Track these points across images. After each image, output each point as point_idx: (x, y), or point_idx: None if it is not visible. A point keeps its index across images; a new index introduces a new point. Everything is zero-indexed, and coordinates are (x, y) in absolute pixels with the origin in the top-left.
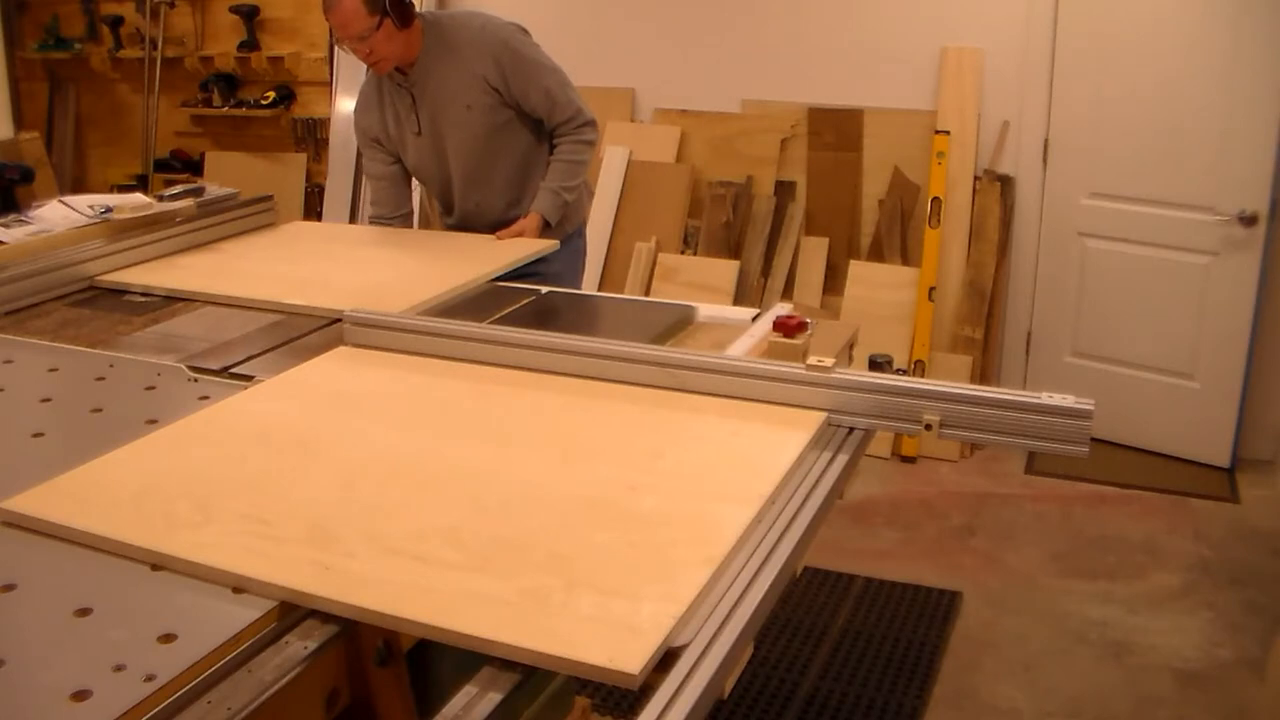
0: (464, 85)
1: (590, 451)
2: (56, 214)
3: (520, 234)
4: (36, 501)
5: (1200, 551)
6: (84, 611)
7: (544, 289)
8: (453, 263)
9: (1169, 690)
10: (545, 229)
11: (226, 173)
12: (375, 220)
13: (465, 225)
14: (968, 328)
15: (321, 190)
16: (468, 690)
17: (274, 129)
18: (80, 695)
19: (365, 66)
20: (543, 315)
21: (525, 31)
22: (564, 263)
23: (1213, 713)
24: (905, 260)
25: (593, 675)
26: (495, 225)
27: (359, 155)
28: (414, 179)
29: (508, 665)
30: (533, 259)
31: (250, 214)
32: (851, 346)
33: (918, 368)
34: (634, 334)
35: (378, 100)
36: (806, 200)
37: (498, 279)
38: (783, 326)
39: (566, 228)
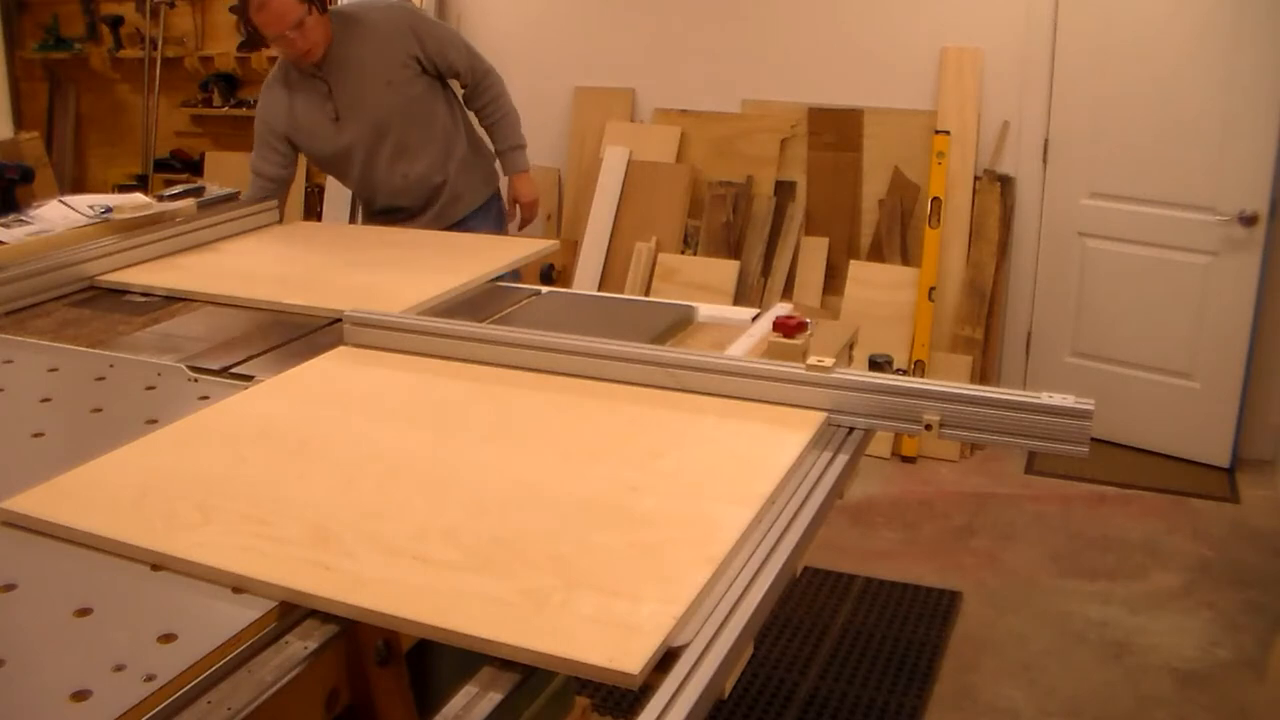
0: (384, 64)
1: (590, 451)
2: (56, 214)
3: (524, 199)
4: (36, 501)
5: (1200, 551)
6: (84, 611)
7: (544, 289)
8: (453, 263)
9: (1169, 690)
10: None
11: (226, 173)
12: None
13: (391, 205)
14: (968, 328)
15: (321, 190)
16: (468, 690)
17: None
18: (80, 695)
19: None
20: (543, 315)
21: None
22: (492, 227)
23: (1213, 713)
24: (905, 260)
25: (593, 675)
26: (423, 196)
27: None
28: (322, 176)
29: (508, 665)
30: (532, 259)
31: (250, 214)
32: (851, 346)
33: (918, 368)
34: (634, 334)
35: (285, 94)
36: (806, 200)
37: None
38: (782, 326)
39: (486, 190)
